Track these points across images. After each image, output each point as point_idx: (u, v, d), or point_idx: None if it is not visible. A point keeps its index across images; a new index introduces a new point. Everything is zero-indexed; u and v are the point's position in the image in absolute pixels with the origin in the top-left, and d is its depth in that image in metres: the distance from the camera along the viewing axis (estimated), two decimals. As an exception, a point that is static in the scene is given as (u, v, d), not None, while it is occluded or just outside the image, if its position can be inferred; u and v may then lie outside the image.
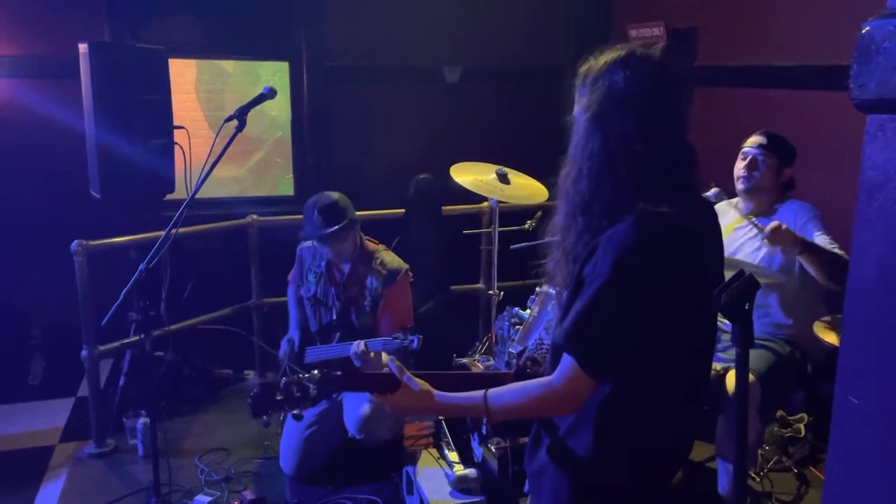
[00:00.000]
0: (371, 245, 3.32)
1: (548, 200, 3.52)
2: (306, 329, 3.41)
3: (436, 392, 1.57)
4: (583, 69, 1.49)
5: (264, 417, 1.68)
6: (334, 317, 3.28)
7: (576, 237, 1.45)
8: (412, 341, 2.90)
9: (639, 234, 1.34)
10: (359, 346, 3.00)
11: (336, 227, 3.08)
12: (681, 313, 1.40)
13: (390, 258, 3.27)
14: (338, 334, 3.28)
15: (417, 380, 1.59)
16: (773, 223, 2.62)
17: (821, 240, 2.70)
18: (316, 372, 1.62)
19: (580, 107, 1.47)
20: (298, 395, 1.60)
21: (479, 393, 1.51)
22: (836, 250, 2.66)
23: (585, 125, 1.44)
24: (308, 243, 3.35)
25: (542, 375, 1.53)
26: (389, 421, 3.14)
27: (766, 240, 2.66)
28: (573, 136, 1.49)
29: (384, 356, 3.05)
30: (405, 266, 3.26)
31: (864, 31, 0.87)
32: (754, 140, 2.91)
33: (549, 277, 1.57)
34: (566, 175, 1.49)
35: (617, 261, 1.33)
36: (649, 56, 1.43)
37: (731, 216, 2.97)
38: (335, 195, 3.17)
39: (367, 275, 3.23)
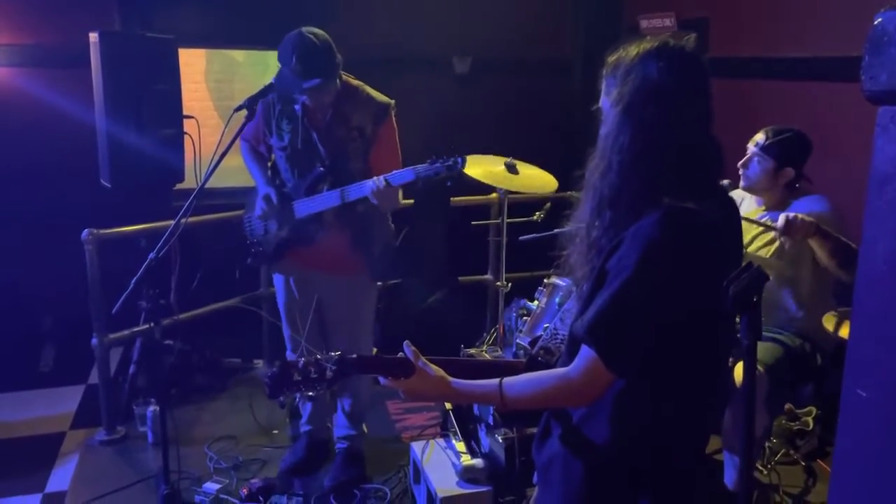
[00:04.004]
0: (352, 80, 2.93)
1: (557, 192, 3.52)
2: (279, 188, 2.98)
3: (451, 379, 1.57)
4: (611, 59, 1.46)
5: (280, 398, 1.69)
6: (320, 167, 2.86)
7: (602, 231, 1.44)
8: (458, 162, 2.53)
9: (665, 229, 1.33)
10: (379, 181, 2.65)
11: (318, 80, 2.67)
12: (703, 309, 1.39)
13: (375, 93, 2.92)
14: (325, 186, 2.86)
15: (432, 366, 1.59)
16: (782, 218, 2.55)
17: None
18: (333, 354, 1.62)
19: (609, 99, 1.45)
20: (315, 376, 1.59)
21: (494, 381, 1.51)
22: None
23: (616, 118, 1.42)
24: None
25: (554, 365, 1.53)
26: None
27: (782, 238, 2.59)
28: (602, 128, 1.47)
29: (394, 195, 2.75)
30: (392, 100, 2.92)
31: (876, 23, 0.86)
32: (756, 138, 2.83)
33: (571, 270, 1.56)
34: (594, 168, 1.47)
35: (643, 256, 1.33)
36: (682, 48, 1.42)
37: (744, 206, 2.94)
38: (318, 37, 2.69)
39: (354, 112, 2.85)
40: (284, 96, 2.88)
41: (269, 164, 3.10)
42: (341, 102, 2.86)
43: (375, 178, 2.69)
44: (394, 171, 2.69)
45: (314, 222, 2.94)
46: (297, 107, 2.87)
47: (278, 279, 3.18)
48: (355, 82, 2.94)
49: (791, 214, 2.54)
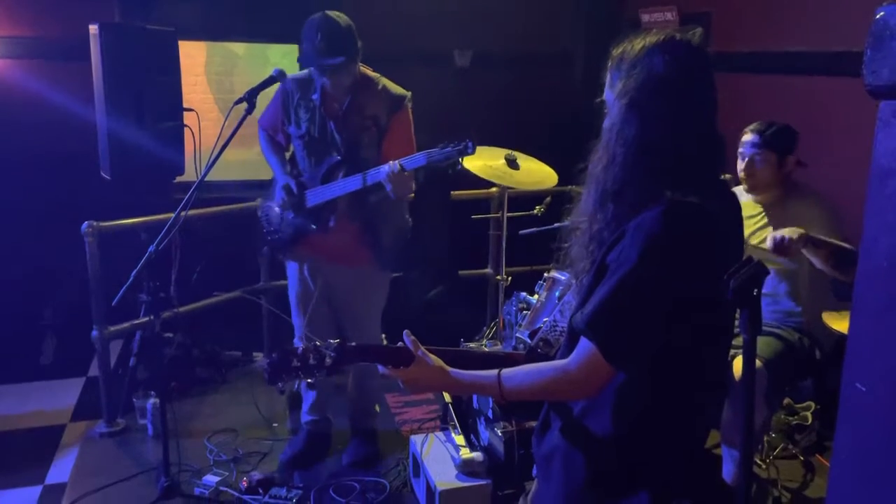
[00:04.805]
0: (369, 72, 3.00)
1: (557, 186, 3.52)
2: (296, 177, 3.04)
3: (450, 369, 1.57)
4: (616, 52, 1.46)
5: (279, 384, 1.69)
6: (337, 155, 2.92)
7: (604, 224, 1.44)
8: (468, 146, 2.60)
9: (667, 224, 1.33)
10: (393, 166, 2.69)
11: (342, 59, 2.75)
12: (704, 304, 1.39)
13: (392, 84, 2.98)
14: (341, 174, 2.91)
15: (432, 355, 1.59)
16: (769, 240, 2.53)
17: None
18: (332, 341, 1.62)
19: (614, 91, 1.44)
20: (314, 363, 1.60)
21: (493, 372, 1.51)
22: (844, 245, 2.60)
23: (621, 110, 1.41)
24: (290, 75, 2.96)
25: (553, 357, 1.53)
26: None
27: (773, 254, 2.58)
28: (606, 120, 1.46)
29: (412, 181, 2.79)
30: (409, 92, 2.98)
31: (878, 17, 0.86)
32: (747, 137, 2.84)
33: (571, 262, 1.55)
34: (597, 161, 1.46)
35: (644, 250, 1.32)
36: (689, 41, 1.41)
37: (742, 201, 2.94)
38: (342, 19, 2.80)
39: (370, 102, 2.91)
40: (303, 85, 2.94)
41: (288, 155, 3.13)
42: (358, 92, 2.91)
43: (391, 162, 2.72)
44: (407, 156, 2.72)
45: (327, 210, 2.97)
46: (314, 96, 2.92)
47: (292, 267, 3.21)
48: (372, 74, 2.99)
49: (777, 235, 2.52)
